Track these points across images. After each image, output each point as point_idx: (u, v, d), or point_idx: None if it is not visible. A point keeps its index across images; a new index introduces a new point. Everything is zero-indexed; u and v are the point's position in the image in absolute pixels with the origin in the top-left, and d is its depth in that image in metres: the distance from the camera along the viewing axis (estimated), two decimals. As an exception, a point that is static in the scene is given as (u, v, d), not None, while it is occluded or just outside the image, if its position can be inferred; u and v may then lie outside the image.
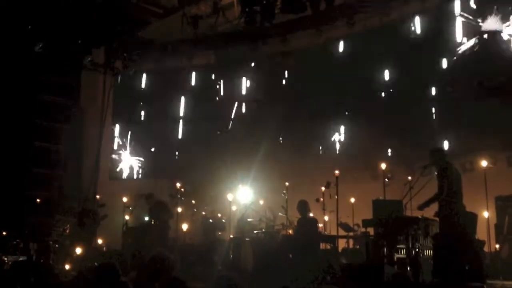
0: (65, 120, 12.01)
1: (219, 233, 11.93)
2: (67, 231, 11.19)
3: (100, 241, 12.45)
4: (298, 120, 15.19)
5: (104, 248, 11.83)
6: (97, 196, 12.87)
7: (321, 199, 11.17)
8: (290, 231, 10.80)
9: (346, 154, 13.88)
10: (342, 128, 15.61)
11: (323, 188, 11.03)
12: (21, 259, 8.82)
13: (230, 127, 15.44)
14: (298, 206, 10.58)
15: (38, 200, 11.30)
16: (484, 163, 10.45)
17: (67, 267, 9.46)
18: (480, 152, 11.99)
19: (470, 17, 13.73)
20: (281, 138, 15.62)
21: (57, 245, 9.90)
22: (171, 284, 4.03)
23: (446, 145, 13.38)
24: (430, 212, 8.43)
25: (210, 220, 12.55)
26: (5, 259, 8.54)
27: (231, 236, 11.08)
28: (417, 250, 8.03)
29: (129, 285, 5.00)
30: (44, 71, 11.38)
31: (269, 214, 11.41)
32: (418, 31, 14.46)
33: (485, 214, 9.98)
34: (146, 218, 12.05)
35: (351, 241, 11.43)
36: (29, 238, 9.78)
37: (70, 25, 11.05)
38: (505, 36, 13.43)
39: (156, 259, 5.46)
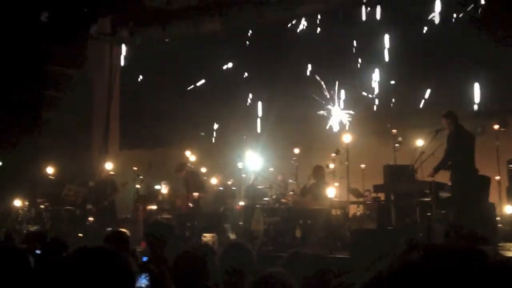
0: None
1: (230, 200, 11.96)
2: (80, 200, 11.28)
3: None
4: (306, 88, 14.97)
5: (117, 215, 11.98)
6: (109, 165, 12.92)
7: (331, 165, 11.11)
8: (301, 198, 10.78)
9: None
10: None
11: (333, 155, 10.97)
12: (35, 228, 8.94)
13: None
14: (314, 172, 10.27)
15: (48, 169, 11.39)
16: (495, 127, 10.34)
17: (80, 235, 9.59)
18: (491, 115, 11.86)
19: None
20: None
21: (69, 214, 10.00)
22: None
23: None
24: (444, 176, 8.39)
25: (220, 188, 12.58)
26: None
27: (241, 203, 11.11)
28: (428, 214, 8.02)
29: (137, 253, 5.04)
30: (50, 41, 11.30)
31: (280, 180, 11.40)
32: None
33: (497, 177, 9.93)
34: (157, 187, 12.12)
35: (361, 207, 11.43)
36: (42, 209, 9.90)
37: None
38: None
39: (155, 226, 5.55)
